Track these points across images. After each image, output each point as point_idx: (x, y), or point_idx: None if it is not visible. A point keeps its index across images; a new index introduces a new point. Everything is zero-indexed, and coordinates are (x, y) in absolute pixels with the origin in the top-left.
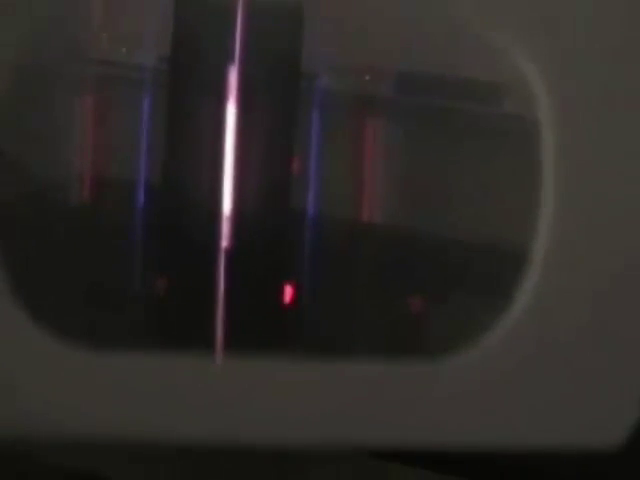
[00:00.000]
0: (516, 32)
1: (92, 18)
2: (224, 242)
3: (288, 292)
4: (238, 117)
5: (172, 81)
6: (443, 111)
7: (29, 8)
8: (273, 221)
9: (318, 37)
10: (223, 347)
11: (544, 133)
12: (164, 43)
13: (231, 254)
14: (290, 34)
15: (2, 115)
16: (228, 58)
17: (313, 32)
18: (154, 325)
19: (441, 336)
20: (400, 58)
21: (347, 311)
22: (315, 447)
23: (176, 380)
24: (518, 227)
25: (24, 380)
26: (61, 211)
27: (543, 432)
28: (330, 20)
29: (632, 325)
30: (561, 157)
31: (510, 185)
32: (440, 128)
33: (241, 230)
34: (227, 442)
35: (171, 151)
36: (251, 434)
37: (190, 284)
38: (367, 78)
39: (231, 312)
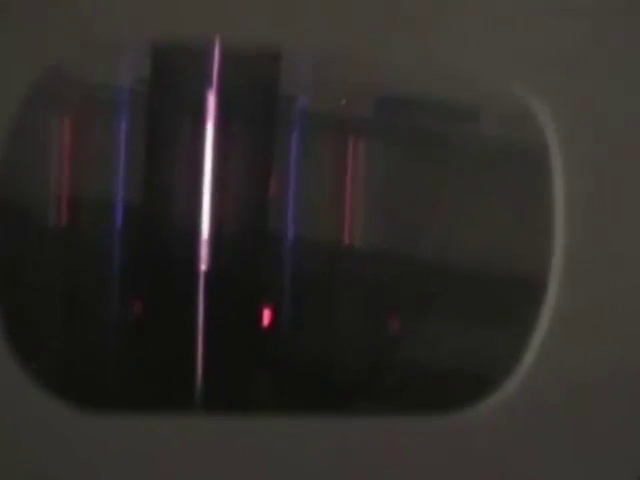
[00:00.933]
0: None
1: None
2: (203, 265)
3: (267, 315)
4: (216, 139)
5: (151, 103)
6: (422, 132)
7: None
8: (252, 243)
9: (296, 59)
10: (202, 372)
11: (552, 159)
12: (143, 65)
13: (209, 277)
14: (268, 57)
15: None
16: (206, 80)
17: (291, 55)
18: (131, 348)
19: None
20: (379, 80)
21: (327, 333)
22: None
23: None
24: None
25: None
26: (38, 232)
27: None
28: (308, 44)
29: None
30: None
31: (496, 208)
32: (419, 149)
33: (219, 253)
34: None
35: (149, 173)
36: None
37: (168, 307)
38: (345, 100)
39: (209, 335)
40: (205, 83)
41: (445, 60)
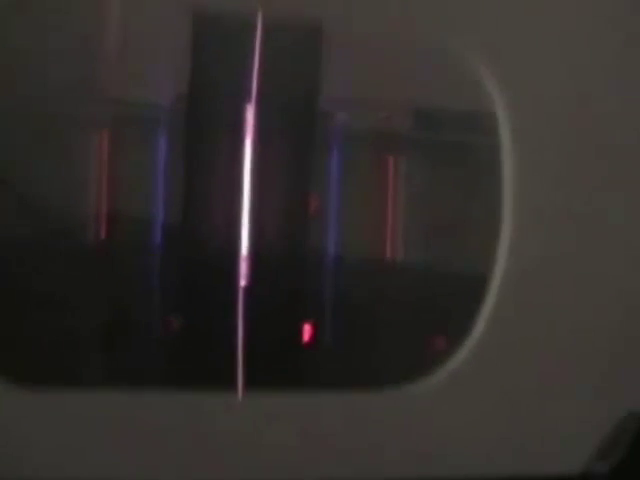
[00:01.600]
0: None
1: (109, 57)
2: (242, 281)
3: (307, 331)
4: (255, 156)
5: (190, 120)
6: (462, 146)
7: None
8: (291, 260)
9: (335, 75)
10: (243, 386)
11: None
12: (181, 82)
13: (249, 293)
14: (307, 73)
15: (19, 152)
16: (245, 97)
17: (330, 70)
18: (172, 366)
19: None
20: (416, 94)
21: (367, 349)
22: None
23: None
24: None
25: None
26: (77, 249)
27: (500, 460)
28: (347, 59)
29: (587, 347)
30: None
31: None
32: (460, 163)
33: (259, 269)
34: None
35: (189, 190)
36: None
37: (208, 323)
38: (384, 115)
39: (250, 351)
40: (244, 99)
41: None
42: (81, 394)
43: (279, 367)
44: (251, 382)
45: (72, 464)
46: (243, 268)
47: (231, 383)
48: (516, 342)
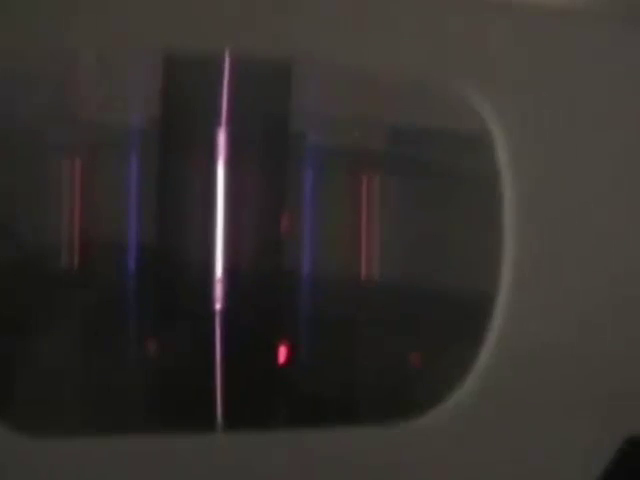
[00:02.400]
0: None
1: (80, 80)
2: (217, 304)
3: (283, 353)
4: (228, 177)
5: (162, 143)
6: (433, 164)
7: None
8: (265, 281)
9: (306, 96)
10: (220, 409)
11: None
12: (153, 105)
13: (224, 315)
14: (278, 94)
15: None
16: (217, 119)
17: (301, 91)
18: (148, 389)
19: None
20: (389, 112)
21: (343, 369)
22: None
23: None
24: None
25: None
26: (48, 277)
27: None
28: (317, 79)
29: (595, 374)
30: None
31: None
32: (431, 181)
33: (234, 291)
34: None
35: (162, 213)
36: None
37: (183, 347)
38: (356, 133)
39: (226, 373)
40: (216, 121)
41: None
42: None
43: (255, 389)
44: (230, 414)
45: None
46: (218, 290)
47: (209, 413)
48: (518, 373)
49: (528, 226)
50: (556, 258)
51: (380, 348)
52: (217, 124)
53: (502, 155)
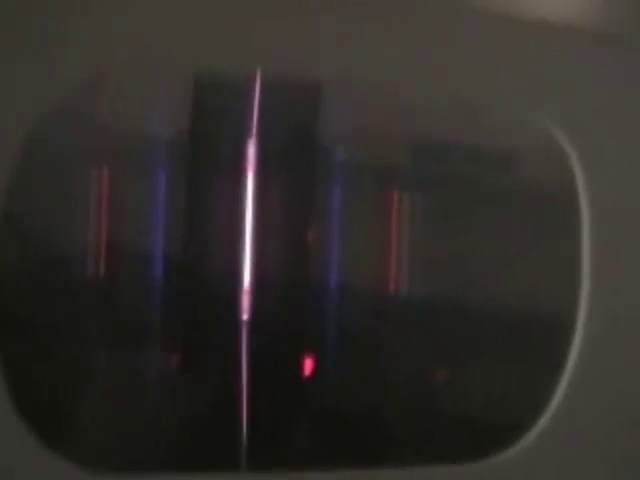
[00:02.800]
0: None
1: (110, 91)
2: (244, 315)
3: (308, 365)
4: (256, 190)
5: (191, 154)
6: (461, 179)
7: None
8: (292, 293)
9: (335, 110)
10: (245, 420)
11: (581, 203)
12: (182, 116)
13: (251, 326)
14: (306, 108)
15: (16, 184)
16: (246, 132)
17: (329, 105)
18: (174, 401)
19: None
20: (417, 127)
21: (370, 383)
22: None
23: None
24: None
25: None
26: (75, 284)
27: None
28: (346, 93)
29: None
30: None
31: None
32: (460, 196)
33: (261, 302)
34: None
35: (190, 224)
36: None
37: (209, 357)
38: (384, 148)
39: (251, 385)
40: (245, 133)
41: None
42: None
43: (280, 401)
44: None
45: None
46: (245, 301)
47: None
48: (600, 399)
49: (605, 245)
50: (633, 279)
51: (404, 365)
52: (246, 136)
53: (577, 174)
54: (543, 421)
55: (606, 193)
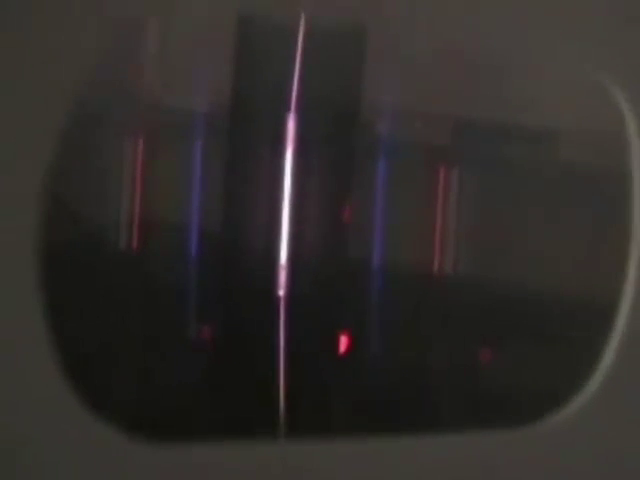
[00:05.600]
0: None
1: (147, 63)
2: (280, 290)
3: (344, 342)
4: (296, 165)
5: (231, 129)
6: (505, 158)
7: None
8: (330, 269)
9: (377, 85)
10: (281, 398)
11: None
12: (222, 90)
13: (287, 302)
14: (350, 82)
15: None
16: (286, 106)
17: (372, 80)
18: (207, 374)
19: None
20: (459, 105)
21: (408, 363)
22: None
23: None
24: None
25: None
26: (111, 256)
27: None
28: (390, 68)
29: None
30: None
31: (588, 236)
32: (504, 176)
33: (297, 279)
34: None
35: (228, 198)
36: None
37: (245, 333)
38: (424, 126)
39: (287, 360)
40: (285, 108)
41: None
42: None
43: (316, 378)
44: (288, 393)
45: None
46: (282, 277)
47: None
48: None
49: None
50: None
51: (446, 343)
52: (286, 110)
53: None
54: (591, 386)
55: None
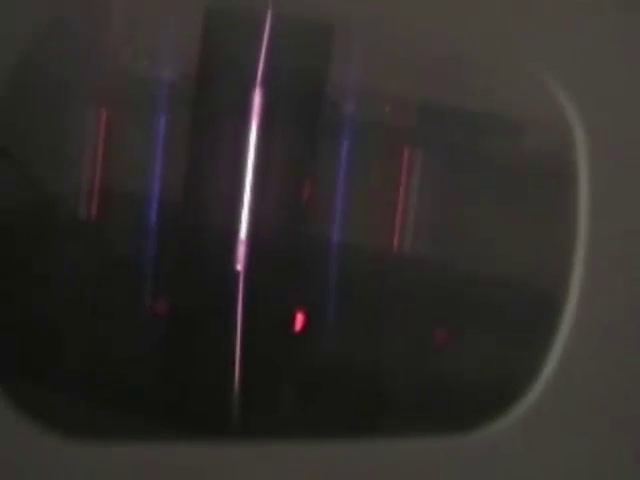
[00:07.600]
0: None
1: (114, 30)
2: (239, 265)
3: (299, 320)
4: (259, 140)
5: (196, 100)
6: (464, 145)
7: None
8: (288, 245)
9: (345, 65)
10: (235, 372)
11: (580, 174)
12: (186, 61)
13: (245, 277)
14: (316, 60)
15: (10, 116)
16: (253, 81)
17: (340, 60)
18: (161, 347)
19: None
20: (424, 90)
21: (361, 341)
22: None
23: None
24: (546, 265)
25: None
26: (66, 225)
27: None
28: (358, 49)
29: None
30: (596, 198)
31: (538, 223)
32: (462, 163)
33: (256, 254)
34: None
35: (190, 170)
36: None
37: (201, 307)
38: (389, 109)
39: (243, 336)
40: (251, 82)
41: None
42: None
43: (270, 355)
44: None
45: None
46: (240, 252)
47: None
48: (592, 373)
49: (603, 218)
50: (630, 248)
51: (404, 324)
52: (253, 85)
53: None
54: (537, 388)
55: (608, 167)
